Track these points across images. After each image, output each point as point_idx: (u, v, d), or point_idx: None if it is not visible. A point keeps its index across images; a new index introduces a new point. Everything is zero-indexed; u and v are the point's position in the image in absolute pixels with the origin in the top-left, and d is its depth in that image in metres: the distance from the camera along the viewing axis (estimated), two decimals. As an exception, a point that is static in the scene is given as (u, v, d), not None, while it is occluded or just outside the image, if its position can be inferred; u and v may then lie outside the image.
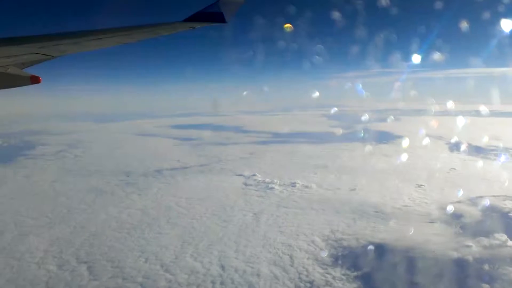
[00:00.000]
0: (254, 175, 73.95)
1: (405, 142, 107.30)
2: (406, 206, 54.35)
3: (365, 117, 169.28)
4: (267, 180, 69.99)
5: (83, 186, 68.11)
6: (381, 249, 40.92)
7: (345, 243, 42.88)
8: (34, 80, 5.35)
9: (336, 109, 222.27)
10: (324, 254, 40.26)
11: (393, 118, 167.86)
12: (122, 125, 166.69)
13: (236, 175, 76.04)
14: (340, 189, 63.47)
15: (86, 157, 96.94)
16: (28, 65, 5.87)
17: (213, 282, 36.04)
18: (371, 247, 41.28)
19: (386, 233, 45.13)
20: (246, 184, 69.00)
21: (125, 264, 39.42)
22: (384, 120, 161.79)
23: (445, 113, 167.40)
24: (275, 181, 69.07)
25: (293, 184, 66.63)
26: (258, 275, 37.01)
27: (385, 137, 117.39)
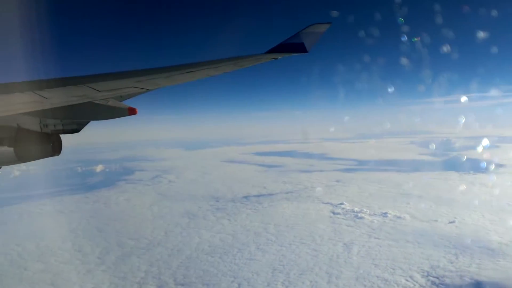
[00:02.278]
0: (342, 203, 72.27)
1: (507, 171, 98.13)
2: (515, 242, 49.33)
3: (459, 144, 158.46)
4: (356, 209, 67.98)
5: (177, 210, 71.70)
6: (489, 288, 37.44)
7: (447, 281, 39.88)
8: (131, 111, 5.61)
9: (426, 135, 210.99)
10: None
11: (490, 145, 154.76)
12: (209, 152, 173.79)
13: (323, 203, 74.89)
14: (437, 221, 59.50)
15: (179, 182, 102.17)
16: (126, 98, 6.40)
17: (306, 313, 35.49)
18: (478, 285, 37.94)
19: (494, 271, 41.22)
20: (334, 213, 67.63)
21: (219, 288, 40.47)
22: (480, 147, 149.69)
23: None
24: (365, 210, 66.84)
25: (385, 214, 63.93)
26: (353, 308, 35.75)
27: (482, 166, 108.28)
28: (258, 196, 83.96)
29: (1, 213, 71.68)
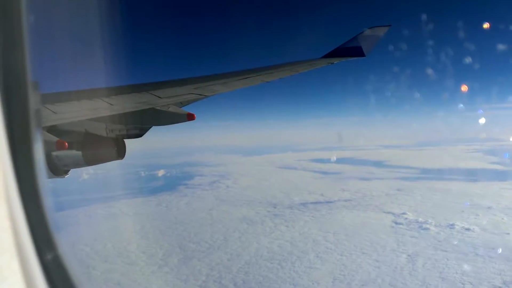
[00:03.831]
0: (405, 213, 69.66)
1: None
2: None
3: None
4: (420, 219, 65.23)
5: (236, 215, 72.69)
6: None
7: (523, 299, 37.15)
8: (190, 117, 5.71)
9: (493, 143, 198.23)
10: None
11: None
12: (265, 158, 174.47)
13: (384, 212, 72.61)
14: (510, 234, 55.62)
15: (236, 188, 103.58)
16: (185, 104, 6.47)
17: (370, 325, 34.51)
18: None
19: None
20: (396, 223, 65.33)
21: (279, 295, 40.41)
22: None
23: None
24: (429, 221, 63.97)
25: (451, 226, 60.78)
26: (419, 324, 34.25)
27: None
28: (316, 203, 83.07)
29: (71, 215, 76.21)
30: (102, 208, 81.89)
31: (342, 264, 48.31)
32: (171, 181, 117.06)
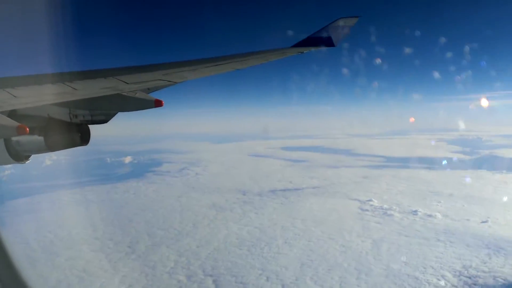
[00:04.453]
0: (370, 200, 71.40)
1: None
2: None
3: (491, 142, 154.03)
4: (385, 206, 67.06)
5: (205, 202, 72.45)
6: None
7: (480, 281, 38.95)
8: (158, 103, 5.64)
9: (456, 133, 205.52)
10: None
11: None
12: (236, 146, 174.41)
13: (351, 199, 74.18)
14: (470, 221, 58.08)
15: (206, 175, 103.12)
16: (153, 90, 6.41)
17: (336, 308, 35.34)
18: (513, 288, 36.90)
19: (530, 273, 39.96)
20: (362, 209, 66.91)
21: (248, 281, 40.74)
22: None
23: None
24: (394, 207, 65.86)
25: (415, 212, 62.82)
26: (383, 306, 35.36)
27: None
28: (285, 190, 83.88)
29: (34, 201, 74.00)
30: (67, 195, 79.67)
31: (310, 249, 49.13)
32: (138, 168, 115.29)
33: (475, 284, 38.44)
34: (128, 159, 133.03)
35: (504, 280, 38.81)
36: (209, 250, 49.03)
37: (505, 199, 69.37)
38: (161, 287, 40.48)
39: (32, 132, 5.41)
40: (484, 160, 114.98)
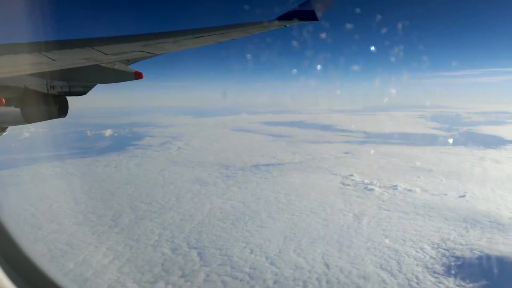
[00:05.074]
0: (352, 175, 72.45)
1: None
2: (526, 218, 49.52)
3: (469, 119, 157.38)
4: (366, 181, 68.19)
5: (188, 176, 72.31)
6: (500, 262, 37.81)
7: (458, 253, 40.30)
8: (138, 75, 5.76)
9: (436, 110, 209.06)
10: (436, 263, 38.29)
11: (501, 121, 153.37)
12: (218, 120, 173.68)
13: (332, 174, 75.15)
14: (448, 195, 59.69)
15: (188, 149, 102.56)
16: (132, 62, 6.39)
17: (318, 280, 36.16)
18: (488, 259, 38.35)
19: (504, 245, 41.55)
20: (343, 184, 67.94)
21: (232, 253, 41.17)
22: (491, 123, 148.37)
23: None
24: (375, 182, 67.04)
25: (394, 187, 64.13)
26: (364, 277, 36.35)
27: (493, 142, 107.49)
28: (268, 165, 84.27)
29: (13, 174, 72.53)
30: (46, 168, 78.30)
31: (293, 223, 49.82)
32: (119, 141, 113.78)
33: (452, 256, 39.77)
34: (108, 132, 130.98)
35: (480, 252, 40.26)
36: (193, 223, 49.21)
37: (481, 174, 71.41)
38: (146, 260, 40.51)
39: (8, 104, 5.32)
40: (462, 137, 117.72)
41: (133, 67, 6.35)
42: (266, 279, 36.28)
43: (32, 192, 62.07)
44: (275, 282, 35.88)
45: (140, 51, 4.96)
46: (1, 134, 5.80)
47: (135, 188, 64.64)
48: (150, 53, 5.11)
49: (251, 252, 41.49)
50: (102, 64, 5.45)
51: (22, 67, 4.48)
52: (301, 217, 51.81)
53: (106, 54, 4.66)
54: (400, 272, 36.98)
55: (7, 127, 5.81)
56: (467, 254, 40.12)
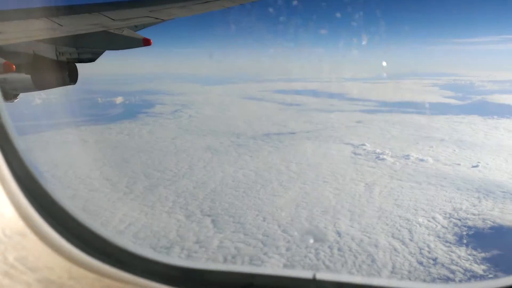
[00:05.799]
0: (363, 144, 72.22)
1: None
2: (540, 189, 49.30)
3: (483, 87, 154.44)
4: (378, 150, 67.99)
5: (200, 145, 72.72)
6: (512, 232, 38.00)
7: (470, 223, 40.49)
8: (146, 42, 5.72)
9: (449, 78, 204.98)
10: (447, 232, 38.59)
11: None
12: (228, 88, 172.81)
13: (344, 143, 74.94)
14: (460, 165, 59.43)
15: (199, 117, 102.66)
16: (140, 28, 6.34)
17: (330, 248, 36.73)
18: (500, 229, 38.53)
19: (517, 216, 41.62)
20: (355, 153, 67.86)
21: (245, 221, 41.84)
22: (506, 92, 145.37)
23: None
24: (386, 152, 66.84)
25: (407, 157, 63.93)
26: (376, 245, 36.83)
27: (508, 111, 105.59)
28: (279, 134, 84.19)
29: (26, 140, 73.15)
30: (59, 135, 79.08)
31: (305, 192, 50.21)
32: (130, 109, 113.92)
33: (464, 226, 39.99)
34: (119, 100, 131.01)
35: (493, 222, 40.40)
36: (206, 191, 49.86)
37: (495, 144, 70.70)
38: (161, 226, 41.39)
39: (18, 70, 5.32)
40: (476, 106, 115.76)
41: (141, 33, 6.36)
42: (279, 246, 36.95)
43: (46, 158, 62.90)
44: (287, 249, 36.55)
45: (147, 16, 4.98)
46: (13, 101, 5.85)
47: (148, 156, 65.28)
48: (157, 18, 5.12)
49: (264, 220, 42.12)
50: (110, 30, 5.43)
51: (31, 32, 4.47)
52: (312, 186, 52.14)
53: (113, 20, 4.67)
54: (411, 241, 37.37)
55: (19, 94, 5.84)
56: (479, 224, 40.29)
